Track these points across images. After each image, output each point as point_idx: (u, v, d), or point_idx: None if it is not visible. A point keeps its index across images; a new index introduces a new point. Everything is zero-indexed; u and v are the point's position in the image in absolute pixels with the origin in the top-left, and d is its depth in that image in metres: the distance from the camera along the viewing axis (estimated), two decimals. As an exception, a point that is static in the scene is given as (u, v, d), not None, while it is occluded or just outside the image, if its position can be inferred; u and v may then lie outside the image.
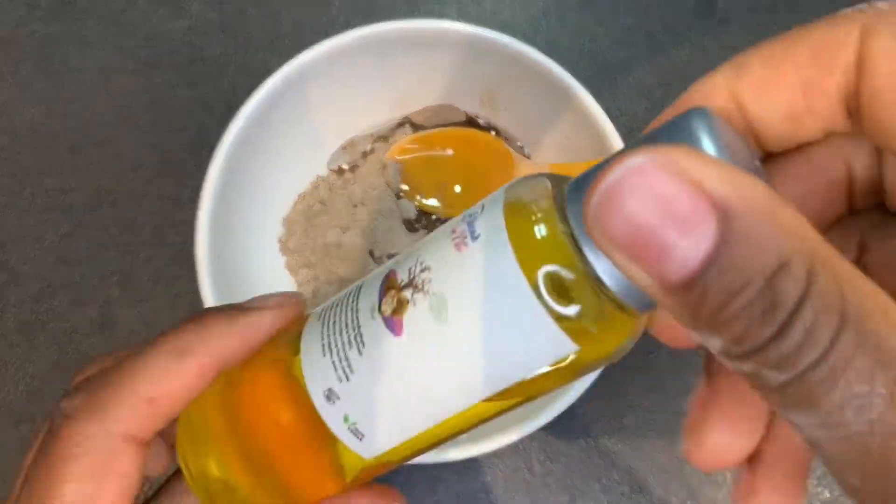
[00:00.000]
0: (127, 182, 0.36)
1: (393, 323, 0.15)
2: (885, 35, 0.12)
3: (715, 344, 0.11)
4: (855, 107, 0.13)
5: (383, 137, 0.34)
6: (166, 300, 0.34)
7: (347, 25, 0.38)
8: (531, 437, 0.33)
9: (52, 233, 0.35)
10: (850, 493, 0.11)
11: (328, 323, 0.16)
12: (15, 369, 0.34)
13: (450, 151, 0.34)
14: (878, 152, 0.14)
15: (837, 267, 0.10)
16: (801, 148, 0.14)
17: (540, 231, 0.14)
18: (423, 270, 0.15)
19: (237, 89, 0.37)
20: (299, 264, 0.33)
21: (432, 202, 0.34)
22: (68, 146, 0.36)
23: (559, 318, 0.13)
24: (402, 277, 0.15)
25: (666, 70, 0.38)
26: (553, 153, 0.33)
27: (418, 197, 0.34)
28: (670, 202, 0.10)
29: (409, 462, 0.27)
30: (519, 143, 0.34)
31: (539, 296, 0.13)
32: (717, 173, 0.10)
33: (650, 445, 0.34)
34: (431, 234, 0.16)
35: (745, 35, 0.38)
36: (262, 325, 0.18)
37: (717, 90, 0.14)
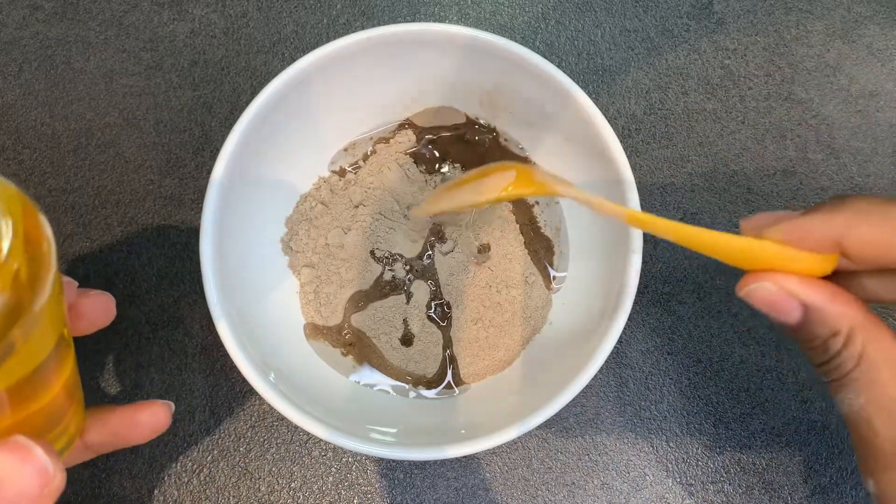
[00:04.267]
0: (130, 182, 0.36)
1: None
2: None
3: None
4: None
5: (384, 139, 0.35)
6: (170, 299, 0.35)
7: (349, 28, 0.39)
8: (529, 435, 0.34)
9: (56, 233, 0.36)
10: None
11: None
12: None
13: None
14: None
15: (866, 334, 0.22)
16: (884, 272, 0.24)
17: None
18: None
19: (239, 91, 0.37)
20: (301, 264, 0.33)
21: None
22: (71, 147, 0.37)
23: None
24: None
25: (663, 72, 0.38)
26: (552, 154, 0.34)
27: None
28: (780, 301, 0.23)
29: (410, 459, 0.28)
30: (520, 145, 0.35)
31: None
32: (800, 286, 0.22)
33: (648, 443, 0.34)
34: None
35: (741, 37, 0.39)
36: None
37: (829, 236, 0.22)
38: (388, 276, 0.34)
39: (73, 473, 0.33)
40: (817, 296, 0.22)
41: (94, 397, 0.34)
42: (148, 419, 0.28)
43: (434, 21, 0.39)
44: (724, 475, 0.34)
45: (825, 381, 0.23)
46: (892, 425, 0.21)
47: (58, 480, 0.20)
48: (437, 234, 0.34)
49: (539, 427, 0.27)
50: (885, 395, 0.21)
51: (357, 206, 0.34)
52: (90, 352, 0.34)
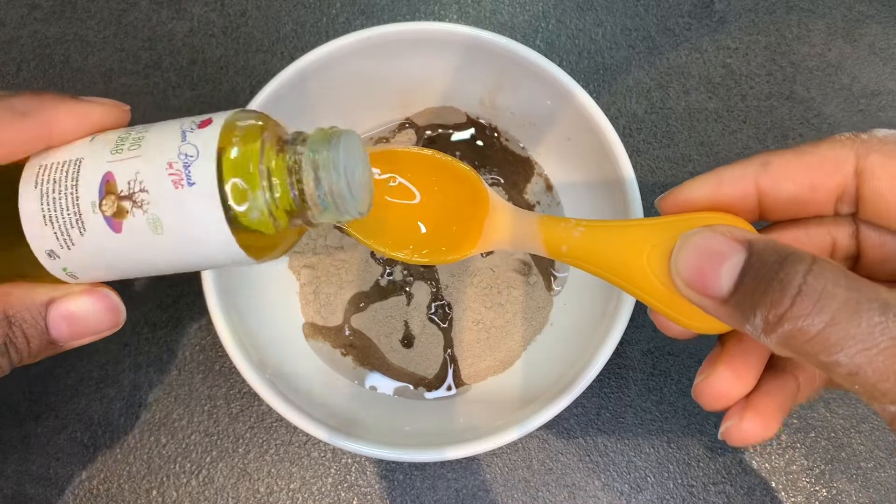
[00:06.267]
0: (128, 182, 0.36)
1: (113, 223, 0.19)
2: (877, 154, 0.20)
3: (758, 327, 0.17)
4: (850, 200, 0.21)
5: (385, 139, 0.35)
6: (169, 299, 0.35)
7: (348, 27, 0.39)
8: (530, 436, 0.34)
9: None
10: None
11: (48, 195, 0.20)
12: (19, 369, 0.34)
13: (408, 181, 0.26)
14: (856, 231, 0.22)
15: (826, 262, 0.17)
16: (798, 221, 0.22)
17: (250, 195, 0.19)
18: (142, 190, 0.19)
19: (238, 90, 0.37)
20: (301, 265, 0.33)
21: (381, 247, 0.25)
22: (70, 147, 0.36)
23: (244, 247, 0.20)
24: (122, 188, 0.19)
25: (664, 71, 0.38)
26: (553, 154, 0.34)
27: (362, 237, 0.25)
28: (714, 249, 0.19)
29: (410, 461, 0.27)
30: (521, 145, 0.35)
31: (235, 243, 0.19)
32: (742, 231, 0.19)
33: (649, 444, 0.34)
34: (150, 146, 0.20)
35: (742, 36, 0.39)
36: (91, 113, 0.22)
37: (746, 175, 0.21)
38: (387, 277, 0.34)
39: (73, 474, 0.33)
40: (758, 235, 0.19)
41: (93, 397, 0.34)
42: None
43: (434, 20, 0.39)
44: (726, 476, 0.34)
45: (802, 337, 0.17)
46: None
47: (121, 324, 0.24)
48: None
49: (540, 428, 0.27)
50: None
51: (357, 206, 0.34)
52: (88, 351, 0.34)
